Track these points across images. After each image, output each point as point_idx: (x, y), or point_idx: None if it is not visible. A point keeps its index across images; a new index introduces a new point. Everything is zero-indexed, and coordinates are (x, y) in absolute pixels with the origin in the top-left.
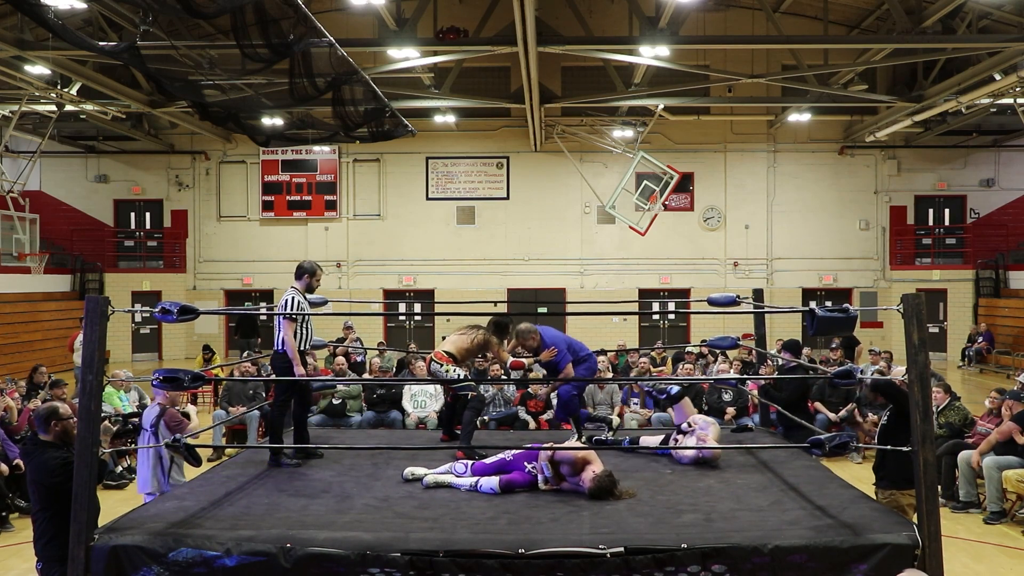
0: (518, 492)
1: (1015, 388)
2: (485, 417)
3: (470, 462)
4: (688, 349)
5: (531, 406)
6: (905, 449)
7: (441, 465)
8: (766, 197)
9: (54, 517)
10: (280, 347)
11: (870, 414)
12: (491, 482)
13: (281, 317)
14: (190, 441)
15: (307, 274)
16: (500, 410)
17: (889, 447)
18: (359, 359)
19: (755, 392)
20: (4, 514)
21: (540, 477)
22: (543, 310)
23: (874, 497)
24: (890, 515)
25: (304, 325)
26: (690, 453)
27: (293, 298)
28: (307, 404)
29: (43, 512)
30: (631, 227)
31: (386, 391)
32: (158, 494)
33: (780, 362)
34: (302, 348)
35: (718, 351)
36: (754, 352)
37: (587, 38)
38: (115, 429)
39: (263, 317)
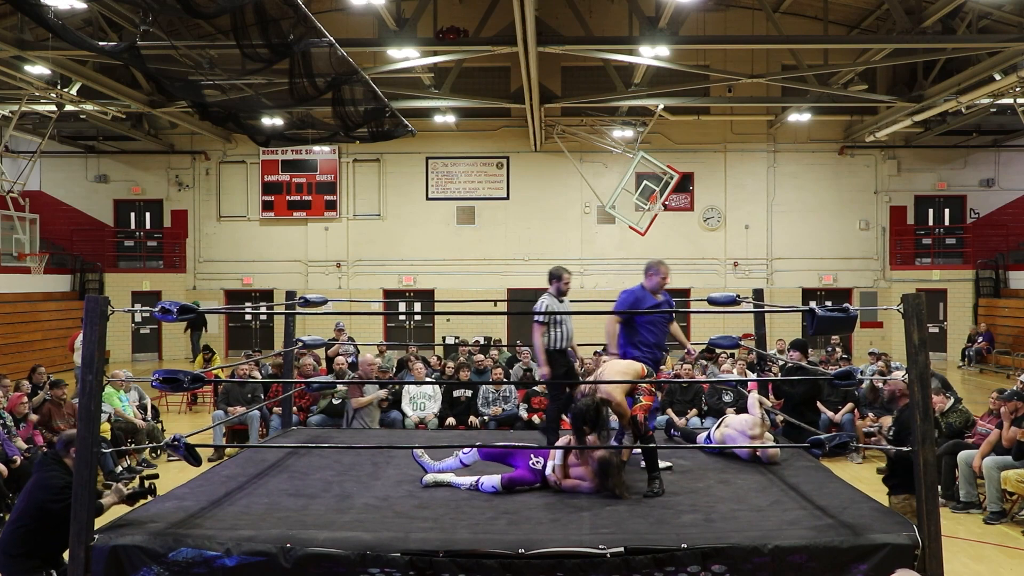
0: (519, 492)
1: (1015, 388)
2: (485, 417)
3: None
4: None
5: (534, 403)
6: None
7: (447, 457)
8: (766, 197)
9: (30, 533)
10: (552, 345)
11: (870, 414)
12: (493, 480)
13: (534, 319)
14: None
15: (554, 279)
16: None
17: (894, 449)
18: (351, 359)
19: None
20: (3, 515)
21: (550, 464)
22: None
23: (875, 499)
24: (890, 515)
25: (558, 326)
26: (746, 452)
27: (543, 302)
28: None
29: (21, 521)
30: (631, 227)
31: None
32: None
33: (783, 361)
34: (559, 347)
35: (723, 353)
36: (755, 353)
37: (587, 38)
38: (128, 492)
39: (261, 316)
